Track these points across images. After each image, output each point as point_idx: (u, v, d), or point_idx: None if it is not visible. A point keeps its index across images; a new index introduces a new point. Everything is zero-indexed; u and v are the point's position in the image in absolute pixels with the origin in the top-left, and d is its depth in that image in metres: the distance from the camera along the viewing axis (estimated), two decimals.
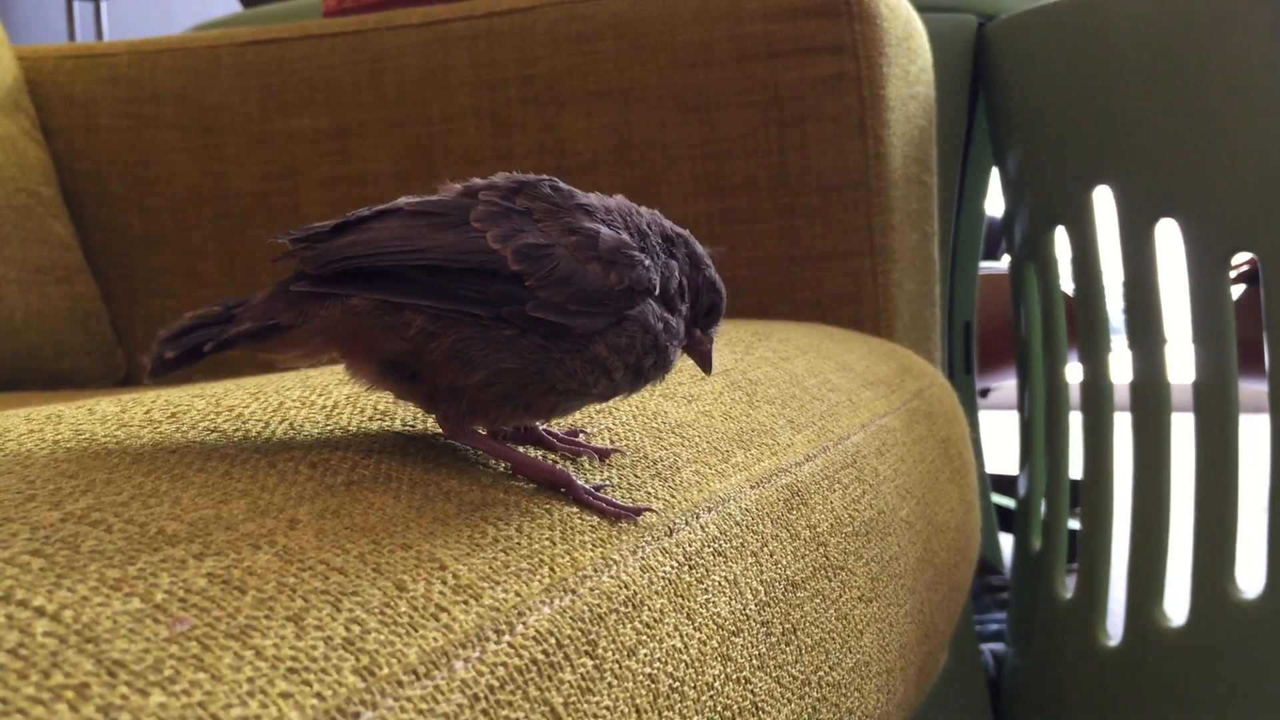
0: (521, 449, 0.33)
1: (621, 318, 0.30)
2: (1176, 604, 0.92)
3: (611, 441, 0.36)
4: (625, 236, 0.31)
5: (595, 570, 0.28)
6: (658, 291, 0.32)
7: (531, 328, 0.29)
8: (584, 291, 0.30)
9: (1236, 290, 1.01)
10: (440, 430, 0.32)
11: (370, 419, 0.33)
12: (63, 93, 0.98)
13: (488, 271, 0.29)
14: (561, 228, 0.30)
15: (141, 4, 2.51)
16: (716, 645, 0.31)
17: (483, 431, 0.32)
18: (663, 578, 0.30)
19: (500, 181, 0.31)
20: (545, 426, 0.35)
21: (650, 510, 0.32)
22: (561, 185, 0.32)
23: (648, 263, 0.31)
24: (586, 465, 0.34)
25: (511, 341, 0.29)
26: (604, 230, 0.31)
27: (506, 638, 0.24)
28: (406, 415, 0.34)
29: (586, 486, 0.31)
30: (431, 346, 0.29)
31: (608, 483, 0.33)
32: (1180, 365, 0.92)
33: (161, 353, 0.30)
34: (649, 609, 0.29)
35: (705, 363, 0.35)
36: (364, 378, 0.31)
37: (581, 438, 0.35)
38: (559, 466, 0.31)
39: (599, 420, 0.38)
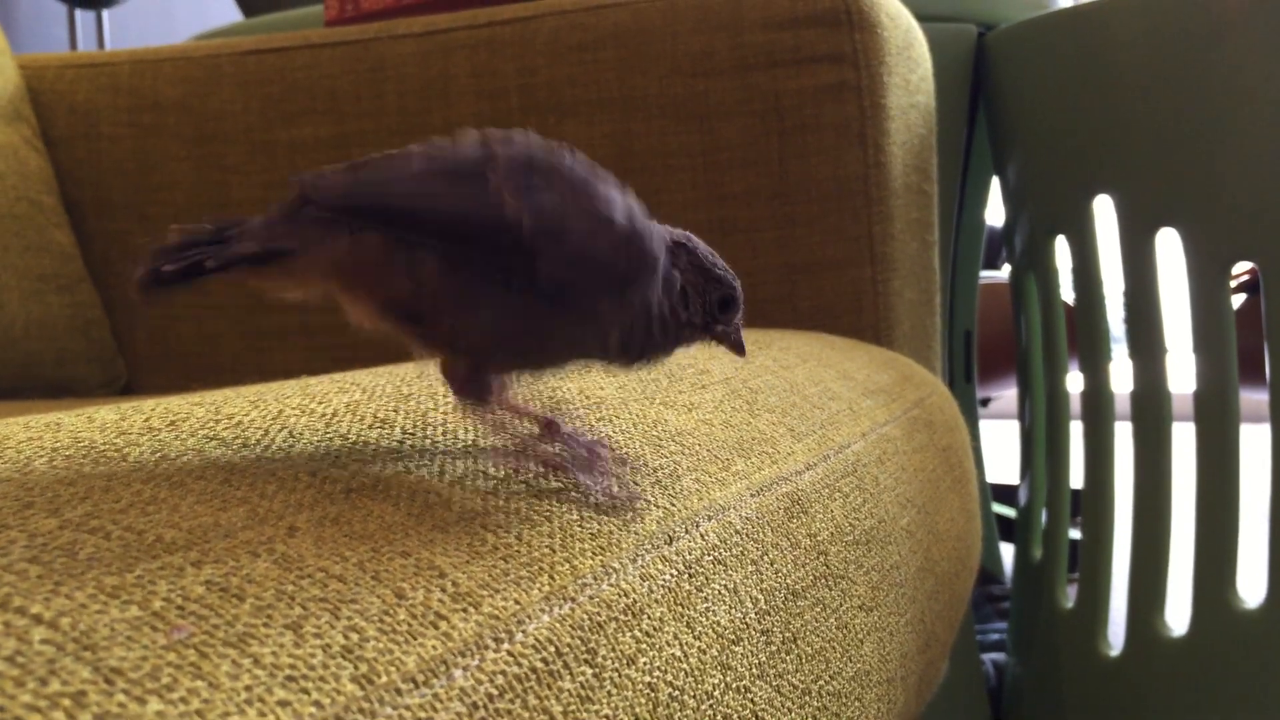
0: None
1: (625, 285, 0.31)
2: (1178, 614, 0.92)
3: (612, 451, 0.36)
4: (636, 209, 0.31)
5: (595, 578, 0.28)
6: (660, 272, 0.32)
7: (539, 281, 0.29)
8: (594, 255, 0.30)
9: (1237, 300, 1.01)
10: (450, 387, 0.32)
11: (370, 426, 0.33)
12: (64, 102, 0.98)
13: (503, 225, 0.29)
14: (575, 190, 0.30)
15: (143, 13, 2.52)
16: (716, 654, 0.31)
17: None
18: (662, 586, 0.30)
19: (518, 138, 0.31)
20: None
21: (639, 498, 0.32)
22: (575, 151, 0.32)
23: (653, 235, 0.32)
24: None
25: (518, 292, 0.29)
26: (616, 197, 0.31)
27: (506, 646, 0.24)
28: (407, 423, 0.34)
29: (580, 473, 0.31)
30: (438, 289, 0.29)
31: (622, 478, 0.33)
32: (1181, 375, 0.92)
33: (159, 265, 0.29)
34: (648, 617, 0.28)
35: (738, 348, 0.35)
36: (361, 314, 0.31)
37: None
38: (552, 451, 0.31)
39: (598, 428, 0.38)
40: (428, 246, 0.29)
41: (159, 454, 0.29)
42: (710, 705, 0.30)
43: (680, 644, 0.29)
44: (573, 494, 0.31)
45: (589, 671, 0.25)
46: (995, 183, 1.13)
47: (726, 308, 0.35)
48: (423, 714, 0.21)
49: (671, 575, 0.31)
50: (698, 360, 0.50)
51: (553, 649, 0.25)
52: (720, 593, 0.32)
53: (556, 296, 0.29)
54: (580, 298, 0.30)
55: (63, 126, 0.98)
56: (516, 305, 0.29)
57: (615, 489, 0.32)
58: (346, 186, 0.29)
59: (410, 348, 0.32)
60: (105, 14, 2.29)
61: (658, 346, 0.33)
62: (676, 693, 0.28)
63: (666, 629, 0.29)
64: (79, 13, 2.27)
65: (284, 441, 0.31)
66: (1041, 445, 1.07)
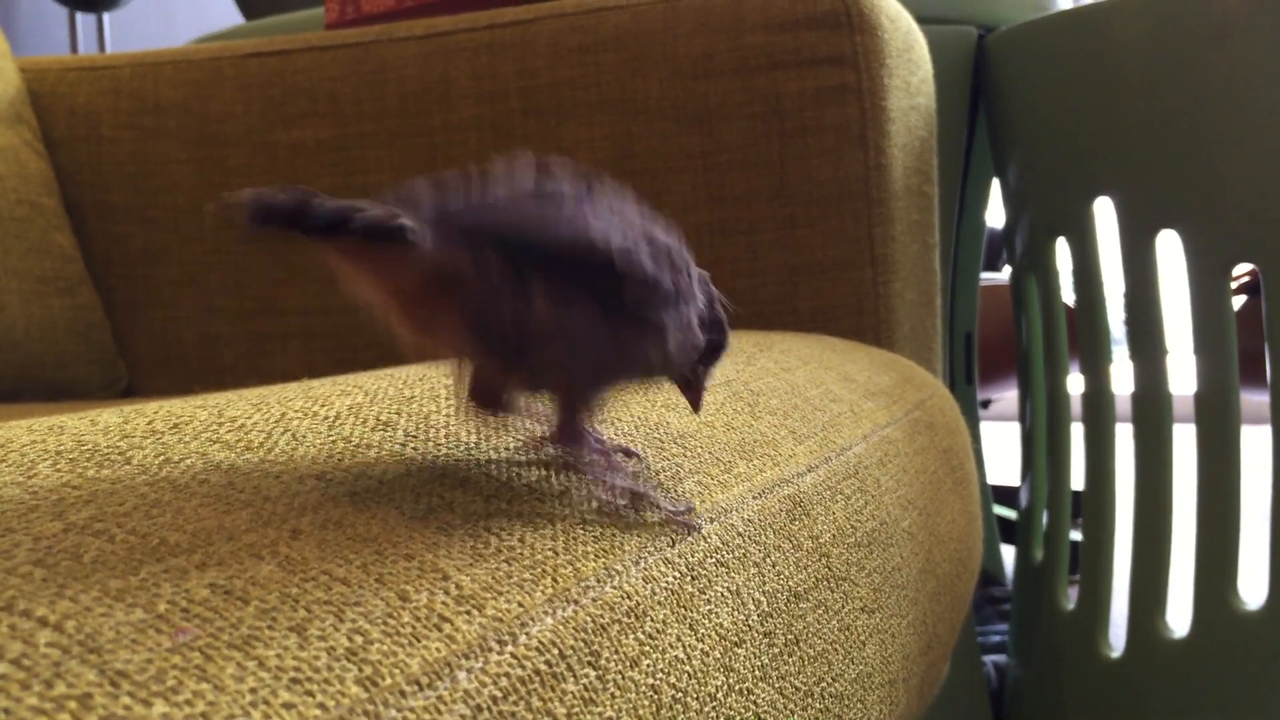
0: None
1: (677, 311, 0.32)
2: (1179, 615, 0.92)
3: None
4: (672, 242, 0.33)
5: (598, 581, 0.28)
6: (700, 303, 0.34)
7: (623, 313, 0.30)
8: (660, 290, 0.31)
9: (1237, 301, 1.01)
10: (549, 439, 0.33)
11: (373, 429, 0.33)
12: (65, 104, 0.98)
13: (595, 260, 0.30)
14: (633, 225, 0.32)
15: (144, 16, 2.52)
16: (719, 656, 0.31)
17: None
18: (665, 588, 0.30)
19: (568, 167, 0.32)
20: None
21: (693, 510, 0.33)
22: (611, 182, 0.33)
23: (692, 271, 0.33)
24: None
25: (610, 325, 0.30)
26: (660, 235, 0.32)
27: (509, 648, 0.24)
28: (409, 426, 0.34)
29: (666, 504, 0.32)
30: (539, 319, 0.29)
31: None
32: (1181, 376, 0.92)
33: (272, 198, 0.26)
34: (652, 620, 0.29)
35: (697, 401, 0.36)
36: (443, 334, 0.30)
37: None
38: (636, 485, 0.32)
39: (601, 430, 0.38)
40: (536, 277, 0.29)
41: (162, 457, 0.29)
42: (713, 707, 0.30)
43: (683, 646, 0.29)
44: (639, 516, 0.32)
45: (592, 674, 0.25)
46: (996, 184, 1.13)
47: (714, 354, 0.35)
48: (427, 716, 0.21)
49: (674, 578, 0.31)
50: None
51: (556, 651, 0.25)
52: (723, 595, 0.32)
53: (639, 319, 0.31)
54: (654, 319, 0.31)
55: (63, 129, 0.98)
56: (609, 329, 0.30)
57: (679, 508, 0.33)
58: (478, 214, 0.30)
59: (473, 377, 0.32)
60: (106, 17, 2.29)
61: (686, 364, 0.34)
62: (679, 695, 0.28)
63: (669, 631, 0.29)
64: (80, 15, 2.28)
65: (287, 444, 0.31)
66: (1042, 447, 1.07)
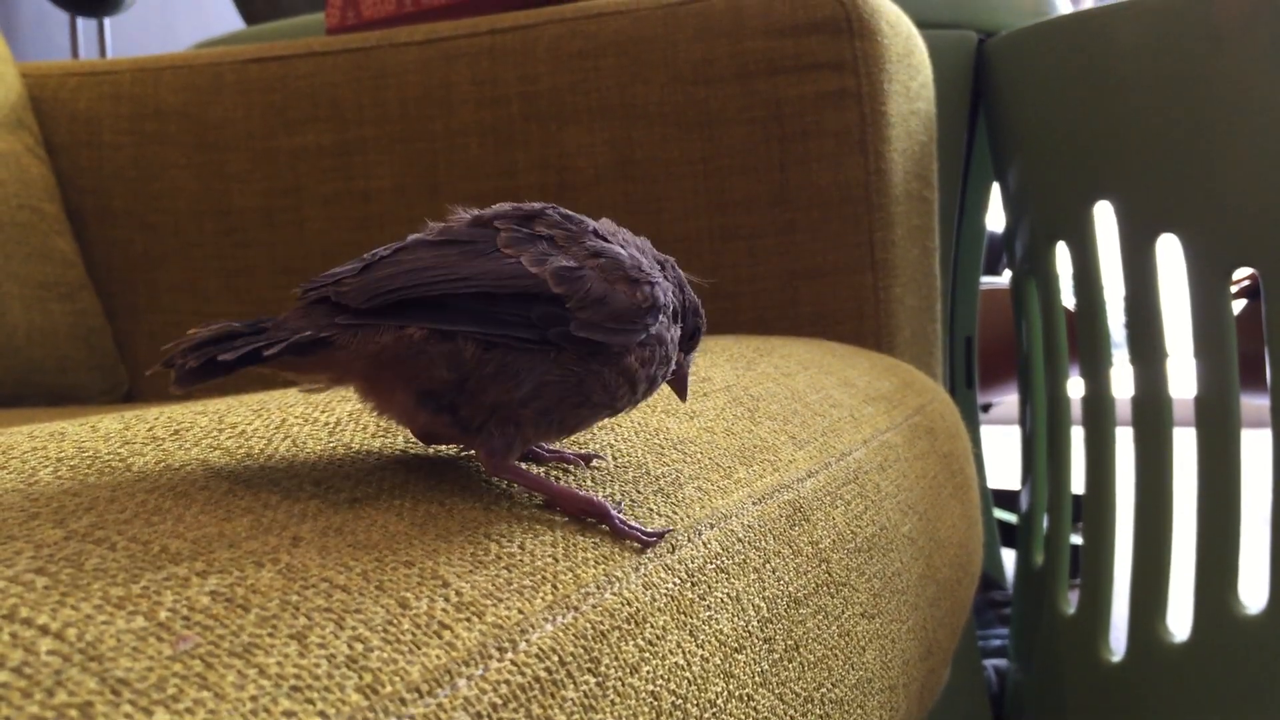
0: (549, 475, 0.33)
1: (645, 333, 0.32)
2: (1179, 619, 0.92)
3: (614, 458, 0.36)
4: (640, 257, 0.32)
5: (598, 587, 0.28)
6: (671, 310, 0.33)
7: (571, 346, 0.30)
8: (616, 311, 0.31)
9: (1237, 305, 1.01)
10: (480, 466, 0.32)
11: (373, 436, 0.34)
12: (66, 110, 0.98)
13: (530, 295, 0.30)
14: (584, 251, 0.31)
15: (145, 21, 2.52)
16: (719, 662, 0.31)
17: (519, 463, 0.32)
18: (665, 594, 0.30)
19: (509, 210, 0.32)
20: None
21: (671, 531, 0.32)
22: (565, 211, 0.32)
23: (661, 281, 0.33)
24: (589, 481, 0.34)
25: (554, 360, 0.30)
26: (621, 251, 0.32)
27: (509, 655, 0.24)
28: (408, 432, 0.34)
29: (621, 517, 0.31)
30: (480, 370, 0.29)
31: (622, 503, 0.33)
32: (1181, 380, 0.92)
33: (213, 355, 0.28)
34: (651, 626, 0.29)
35: (682, 388, 0.36)
36: (394, 409, 0.31)
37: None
38: (593, 496, 0.31)
39: (601, 436, 0.38)
40: (464, 330, 0.29)
41: (163, 464, 0.29)
42: (713, 714, 0.30)
43: (683, 652, 0.29)
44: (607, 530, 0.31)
45: (592, 680, 0.26)
46: (996, 189, 1.13)
47: (692, 340, 0.35)
48: None
49: (674, 584, 0.31)
50: (699, 368, 0.51)
51: (556, 658, 0.25)
52: (723, 601, 0.32)
53: (589, 350, 0.30)
54: (609, 346, 0.31)
55: (65, 134, 0.98)
56: (554, 364, 0.30)
57: (644, 528, 0.32)
58: (374, 286, 0.29)
59: (441, 440, 0.32)
60: (107, 22, 2.29)
61: (664, 377, 0.34)
62: (679, 701, 0.28)
63: (669, 637, 0.29)
64: (81, 21, 2.28)
65: (287, 451, 0.31)
66: (1043, 451, 1.07)
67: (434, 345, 0.29)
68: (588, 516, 0.31)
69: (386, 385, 0.30)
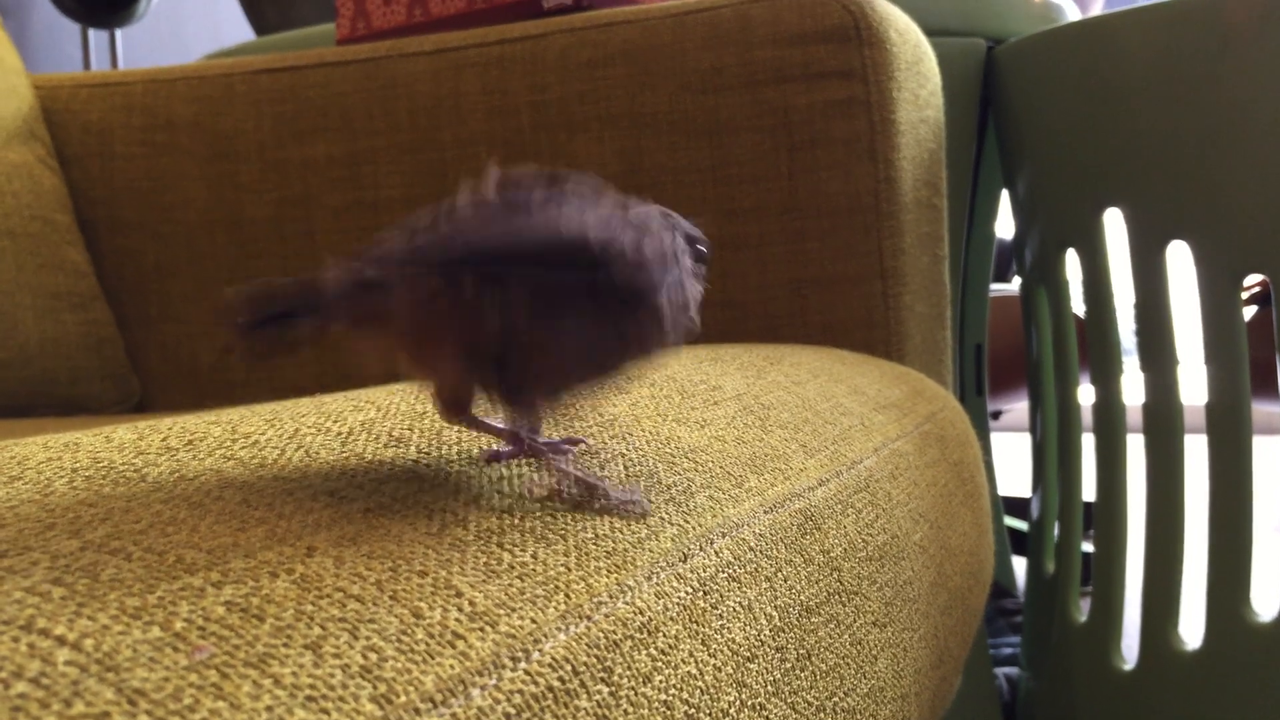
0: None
1: (674, 274, 0.32)
2: (1191, 627, 0.92)
3: (625, 468, 0.36)
4: (650, 207, 0.33)
5: (610, 596, 0.28)
6: (689, 257, 0.34)
7: (614, 293, 0.31)
8: (653, 258, 0.31)
9: (1248, 312, 1.01)
10: (495, 464, 0.33)
11: (386, 445, 0.34)
12: (78, 121, 0.99)
13: (573, 246, 0.30)
14: (611, 203, 0.32)
15: (156, 33, 2.54)
16: (731, 671, 0.31)
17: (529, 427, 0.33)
18: (677, 603, 0.30)
19: (535, 173, 0.33)
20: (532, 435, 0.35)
21: (640, 501, 0.33)
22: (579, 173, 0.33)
23: (680, 230, 0.34)
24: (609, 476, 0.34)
25: (598, 307, 0.31)
26: (641, 206, 0.33)
27: (523, 665, 0.24)
28: (422, 442, 0.34)
29: (616, 493, 0.32)
30: (529, 316, 0.30)
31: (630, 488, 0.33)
32: (1192, 387, 0.92)
33: (273, 310, 0.30)
34: (664, 635, 0.29)
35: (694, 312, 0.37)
36: (439, 365, 0.32)
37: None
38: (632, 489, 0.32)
39: (612, 445, 0.38)
40: (518, 282, 0.30)
41: (177, 474, 0.29)
42: None
43: (696, 662, 0.29)
44: (595, 505, 0.32)
45: (605, 690, 0.26)
46: (1005, 196, 1.13)
47: (702, 262, 0.36)
48: None
49: (686, 593, 0.31)
50: (709, 377, 0.51)
51: (569, 668, 0.25)
52: (735, 610, 0.32)
53: (630, 295, 0.31)
54: (649, 291, 0.31)
55: (76, 145, 0.98)
56: (601, 310, 0.31)
57: (629, 496, 0.33)
58: (435, 245, 0.30)
59: (466, 412, 0.33)
60: (118, 33, 2.31)
61: (688, 325, 0.34)
62: (692, 711, 0.28)
63: (682, 647, 0.29)
64: (92, 32, 2.29)
65: (301, 461, 0.31)
66: (1053, 458, 1.07)
67: (485, 293, 0.30)
68: (584, 493, 0.32)
69: (434, 341, 0.31)
